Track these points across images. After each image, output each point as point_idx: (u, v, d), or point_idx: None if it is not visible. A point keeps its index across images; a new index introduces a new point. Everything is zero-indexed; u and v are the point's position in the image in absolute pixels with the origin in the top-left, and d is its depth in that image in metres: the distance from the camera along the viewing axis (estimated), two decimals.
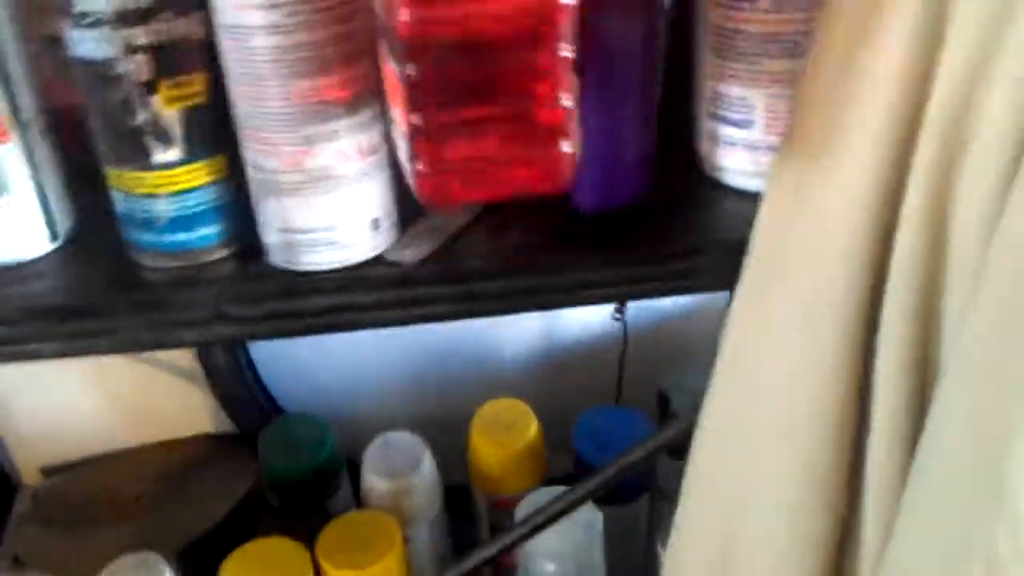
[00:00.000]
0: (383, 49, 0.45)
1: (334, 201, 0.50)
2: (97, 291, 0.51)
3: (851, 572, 0.46)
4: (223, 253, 0.53)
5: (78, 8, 0.46)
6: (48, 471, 0.92)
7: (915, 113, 0.40)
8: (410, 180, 0.45)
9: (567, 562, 0.73)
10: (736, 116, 0.54)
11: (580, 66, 0.45)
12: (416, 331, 0.92)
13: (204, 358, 0.82)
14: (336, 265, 0.51)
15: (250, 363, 0.86)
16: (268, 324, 0.51)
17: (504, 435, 0.82)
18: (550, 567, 0.73)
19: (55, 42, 0.51)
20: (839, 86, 0.42)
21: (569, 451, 0.85)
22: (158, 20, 0.46)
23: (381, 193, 0.51)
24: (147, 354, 0.84)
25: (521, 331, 0.94)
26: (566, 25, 0.41)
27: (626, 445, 0.64)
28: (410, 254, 0.52)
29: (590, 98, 0.50)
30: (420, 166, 0.43)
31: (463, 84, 0.41)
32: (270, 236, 0.51)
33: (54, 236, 0.55)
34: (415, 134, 0.42)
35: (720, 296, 0.91)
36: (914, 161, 0.40)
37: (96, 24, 0.46)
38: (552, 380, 0.95)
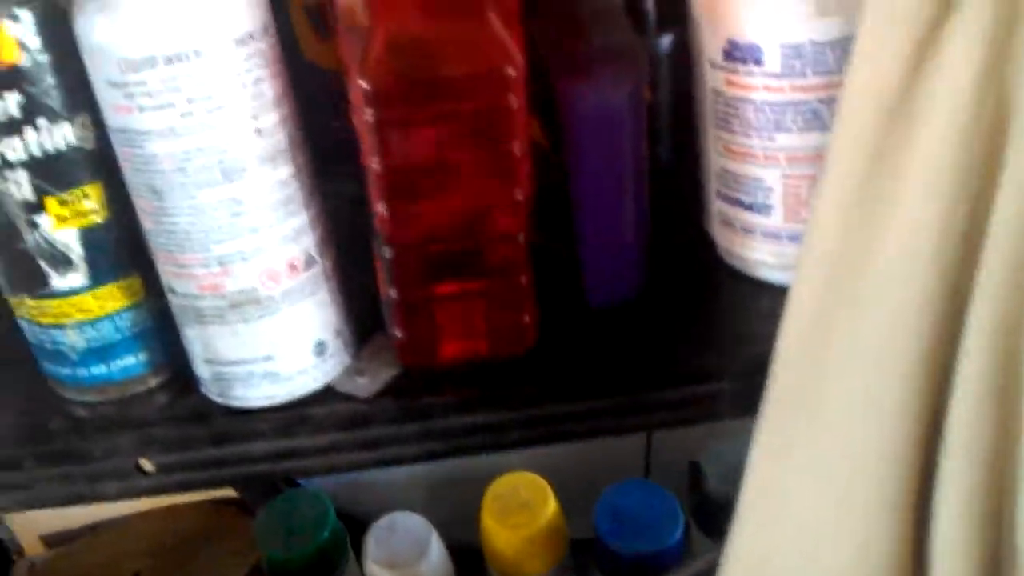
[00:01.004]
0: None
1: (266, 327, 0.39)
2: (7, 439, 0.42)
3: None
4: (151, 383, 0.43)
5: None
6: (49, 540, 0.84)
7: (975, 205, 0.29)
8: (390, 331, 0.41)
9: None
10: (750, 200, 0.42)
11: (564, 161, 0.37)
12: None
13: None
14: (277, 401, 0.41)
15: None
16: (200, 474, 0.41)
17: (520, 515, 0.72)
18: None
19: None
20: (873, 168, 0.31)
21: (592, 527, 0.74)
22: (32, 128, 0.36)
23: (324, 312, 0.41)
24: None
25: None
26: (524, 218, 0.38)
27: (651, 527, 0.58)
28: (364, 384, 0.41)
29: (577, 192, 0.40)
30: (398, 333, 0.41)
31: (438, 265, 0.39)
32: (199, 368, 0.41)
33: None
34: (394, 306, 0.40)
35: None
36: (979, 265, 0.29)
37: None
38: (574, 451, 0.84)
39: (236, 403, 0.41)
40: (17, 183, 0.37)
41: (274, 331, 0.39)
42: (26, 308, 0.41)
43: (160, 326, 0.42)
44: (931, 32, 0.28)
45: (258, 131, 0.36)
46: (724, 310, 0.44)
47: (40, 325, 0.41)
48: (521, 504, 0.73)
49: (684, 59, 0.45)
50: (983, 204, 0.29)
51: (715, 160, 0.43)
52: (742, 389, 0.40)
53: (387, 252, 0.38)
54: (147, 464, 0.40)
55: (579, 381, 0.40)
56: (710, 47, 0.40)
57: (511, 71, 0.35)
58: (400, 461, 0.40)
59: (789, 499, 0.35)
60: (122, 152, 0.37)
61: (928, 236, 0.30)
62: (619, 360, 0.41)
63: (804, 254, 0.34)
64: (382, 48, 0.35)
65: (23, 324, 0.42)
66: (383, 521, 0.71)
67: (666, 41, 0.50)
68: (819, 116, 0.39)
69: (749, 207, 0.42)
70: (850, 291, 0.32)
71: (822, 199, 0.33)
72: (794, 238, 0.42)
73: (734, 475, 0.49)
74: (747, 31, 0.38)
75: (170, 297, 0.40)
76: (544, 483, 0.74)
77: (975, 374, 0.29)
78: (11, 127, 0.36)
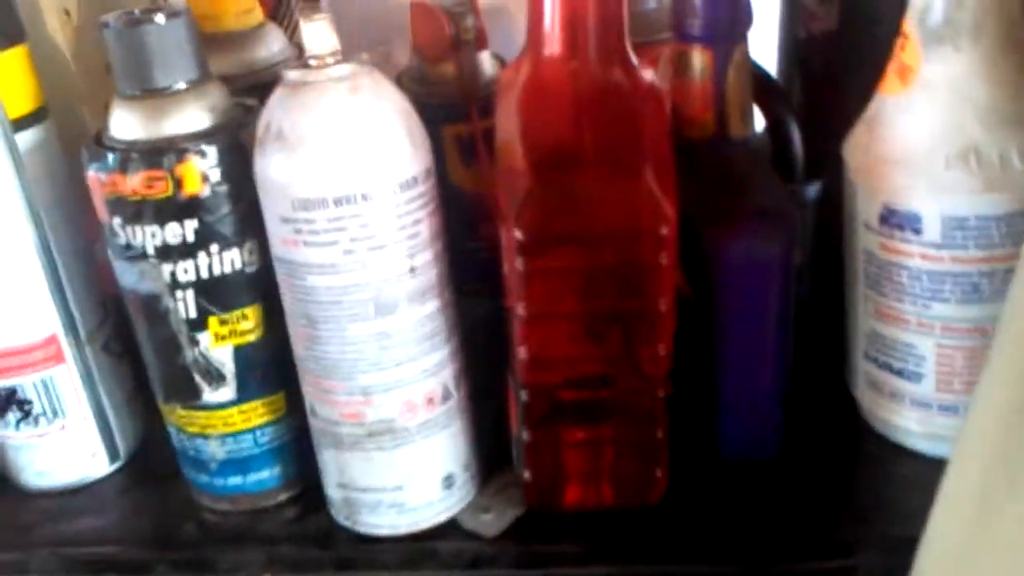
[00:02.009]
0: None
1: (399, 458, 0.40)
2: (142, 542, 0.43)
3: None
4: (282, 497, 0.43)
5: (121, 240, 0.39)
6: None
7: None
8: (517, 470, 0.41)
9: None
10: (900, 365, 0.41)
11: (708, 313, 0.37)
12: None
13: None
14: (402, 531, 0.41)
15: None
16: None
17: None
18: None
19: None
20: None
21: None
22: (205, 253, 0.39)
23: (456, 445, 0.41)
24: None
25: None
26: (664, 372, 0.38)
27: None
28: (488, 521, 0.41)
29: (721, 345, 0.39)
30: (527, 474, 0.40)
31: (574, 411, 0.39)
32: (330, 489, 0.42)
33: (114, 457, 0.47)
34: (525, 447, 0.40)
35: None
36: None
37: (139, 257, 0.39)
38: None
39: (362, 529, 0.41)
40: (184, 302, 0.39)
41: (407, 462, 0.39)
42: (176, 416, 0.42)
43: (297, 443, 0.43)
44: None
45: (412, 270, 0.37)
46: (864, 476, 0.42)
47: (186, 433, 0.42)
48: None
49: (828, 208, 0.44)
50: None
51: (864, 320, 0.42)
52: (877, 568, 0.38)
53: (523, 394, 0.38)
54: None
55: (704, 542, 0.39)
56: (865, 209, 0.40)
57: (665, 230, 0.35)
58: None
59: None
60: (283, 280, 0.38)
61: None
62: (747, 523, 0.40)
63: (966, 435, 0.32)
64: (539, 201, 0.35)
65: (171, 430, 0.43)
66: None
67: (812, 190, 0.49)
68: (979, 289, 0.38)
69: (899, 373, 0.41)
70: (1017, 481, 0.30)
71: (987, 384, 0.31)
72: (945, 409, 0.40)
73: None
74: (907, 199, 0.37)
75: (311, 419, 0.41)
76: None
77: None
78: (186, 251, 0.38)
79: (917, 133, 0.37)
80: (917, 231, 0.38)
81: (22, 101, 0.42)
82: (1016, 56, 0.36)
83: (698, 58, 0.40)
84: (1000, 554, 0.30)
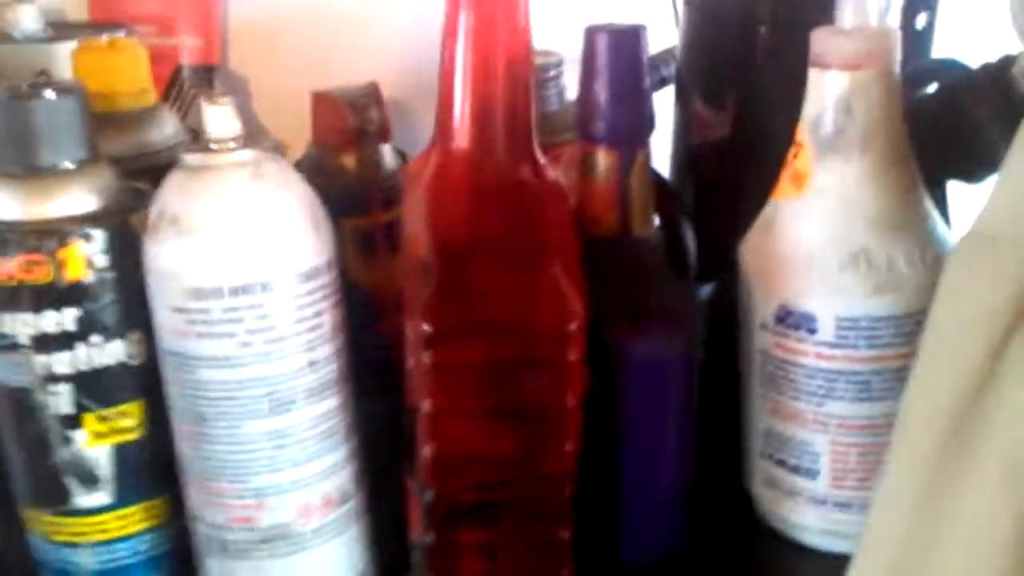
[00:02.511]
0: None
1: (295, 565, 0.37)
2: None
3: None
4: None
5: None
6: None
7: None
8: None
9: None
10: (796, 462, 0.41)
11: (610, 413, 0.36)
12: None
13: None
14: None
15: None
16: None
17: None
18: None
19: None
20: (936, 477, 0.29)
21: None
22: (85, 344, 0.36)
23: (354, 551, 0.38)
24: None
25: None
26: (571, 471, 0.37)
27: None
28: None
29: (622, 446, 0.39)
30: None
31: (480, 512, 0.38)
32: None
33: None
34: (430, 551, 0.38)
35: None
36: None
37: (10, 348, 0.35)
38: None
39: None
40: (58, 396, 0.36)
41: (302, 570, 0.37)
42: (41, 524, 0.38)
43: (177, 551, 0.39)
44: (1003, 342, 0.27)
45: (312, 363, 0.36)
46: (762, 575, 0.42)
47: (52, 543, 0.38)
48: None
49: (719, 310, 0.45)
50: None
51: (760, 419, 0.42)
52: None
53: (428, 496, 0.36)
54: None
55: None
56: (761, 309, 0.40)
57: (573, 326, 0.35)
58: None
59: None
60: (172, 375, 0.36)
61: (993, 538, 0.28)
62: None
63: (867, 535, 0.32)
64: (446, 293, 0.35)
65: (34, 540, 0.39)
66: None
67: (705, 290, 0.50)
68: (870, 387, 0.39)
69: (795, 470, 0.41)
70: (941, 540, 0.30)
71: (889, 479, 0.31)
72: (840, 505, 0.41)
73: None
74: (802, 300, 0.39)
75: (196, 525, 0.37)
76: None
77: None
78: (64, 342, 0.35)
79: (811, 236, 0.38)
80: (812, 331, 0.39)
81: None
82: (900, 167, 0.38)
83: (603, 159, 0.40)
84: None
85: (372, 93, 0.50)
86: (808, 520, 0.42)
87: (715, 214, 0.49)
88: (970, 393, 0.27)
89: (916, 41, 0.46)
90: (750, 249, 0.41)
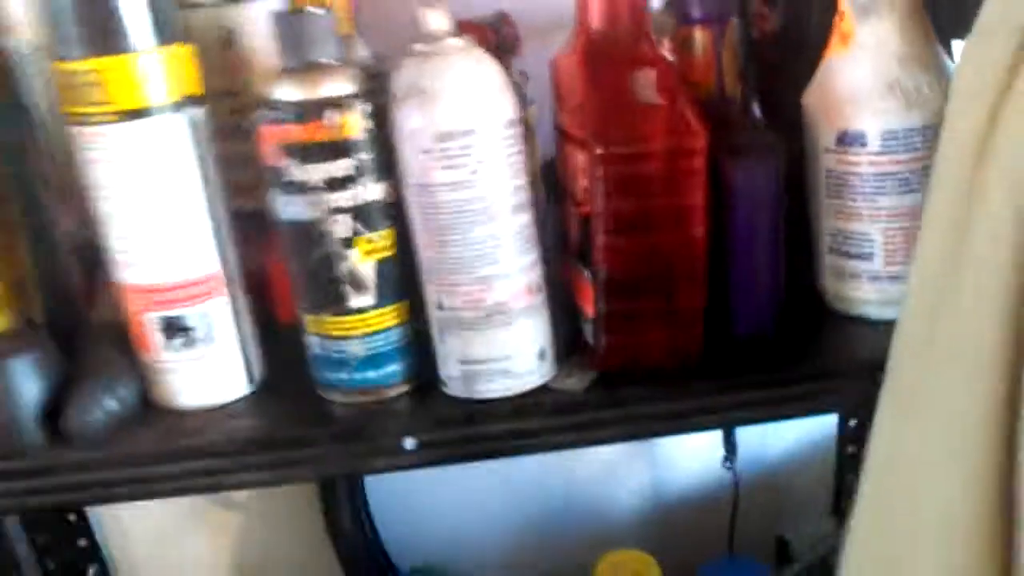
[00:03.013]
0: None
1: (508, 334, 0.52)
2: (295, 426, 0.53)
3: None
4: (404, 389, 0.55)
5: (288, 177, 0.51)
6: None
7: None
8: (592, 342, 0.54)
9: None
10: (857, 250, 0.56)
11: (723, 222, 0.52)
12: (529, 483, 0.91)
13: (330, 518, 0.83)
14: (510, 393, 0.53)
15: (371, 522, 0.86)
16: (451, 449, 0.52)
17: None
18: None
19: (242, 217, 0.56)
20: (957, 218, 0.43)
21: None
22: (357, 186, 0.51)
23: (546, 327, 0.53)
24: (275, 515, 0.86)
25: (632, 484, 0.93)
26: (703, 256, 0.53)
27: None
28: (573, 382, 0.53)
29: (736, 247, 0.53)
30: (604, 340, 0.53)
31: (639, 290, 0.53)
32: (450, 369, 0.53)
33: (251, 380, 0.57)
34: (603, 319, 0.53)
35: (826, 448, 0.90)
36: None
37: (305, 190, 0.51)
38: (664, 532, 0.93)
39: (480, 395, 0.53)
40: (339, 225, 0.51)
41: (514, 338, 0.52)
42: (323, 324, 0.53)
43: (415, 342, 0.54)
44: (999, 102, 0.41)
45: (515, 187, 0.51)
46: (838, 342, 0.57)
47: (332, 338, 0.53)
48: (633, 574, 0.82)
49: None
50: None
51: (827, 222, 0.57)
52: (855, 388, 0.52)
53: (601, 275, 0.51)
54: (410, 442, 0.52)
55: (735, 381, 0.52)
56: (825, 137, 0.55)
57: (700, 143, 0.50)
58: (605, 441, 0.52)
59: (903, 446, 0.46)
60: (418, 203, 0.51)
61: (1006, 249, 0.42)
62: (761, 368, 0.53)
63: (911, 279, 0.46)
64: (605, 125, 0.50)
65: (312, 339, 0.54)
66: None
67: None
68: (910, 183, 0.53)
69: (857, 256, 0.56)
70: (949, 301, 0.44)
71: (922, 242, 0.45)
72: (892, 278, 0.55)
73: (821, 548, 0.58)
74: (855, 123, 0.53)
75: (437, 313, 0.53)
76: (650, 558, 0.83)
77: None
78: (344, 183, 0.50)
79: (858, 76, 0.53)
80: (864, 144, 0.53)
81: (193, 86, 0.54)
82: (919, 23, 0.53)
83: (699, 36, 0.55)
84: (936, 346, 0.44)
85: (504, 18, 0.65)
86: (868, 295, 0.56)
87: (775, 88, 0.64)
88: (981, 133, 0.41)
89: None
90: (814, 94, 0.56)
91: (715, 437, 0.86)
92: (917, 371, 0.46)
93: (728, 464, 0.87)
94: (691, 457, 0.92)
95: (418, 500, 0.88)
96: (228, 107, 0.60)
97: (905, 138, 0.53)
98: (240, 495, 0.89)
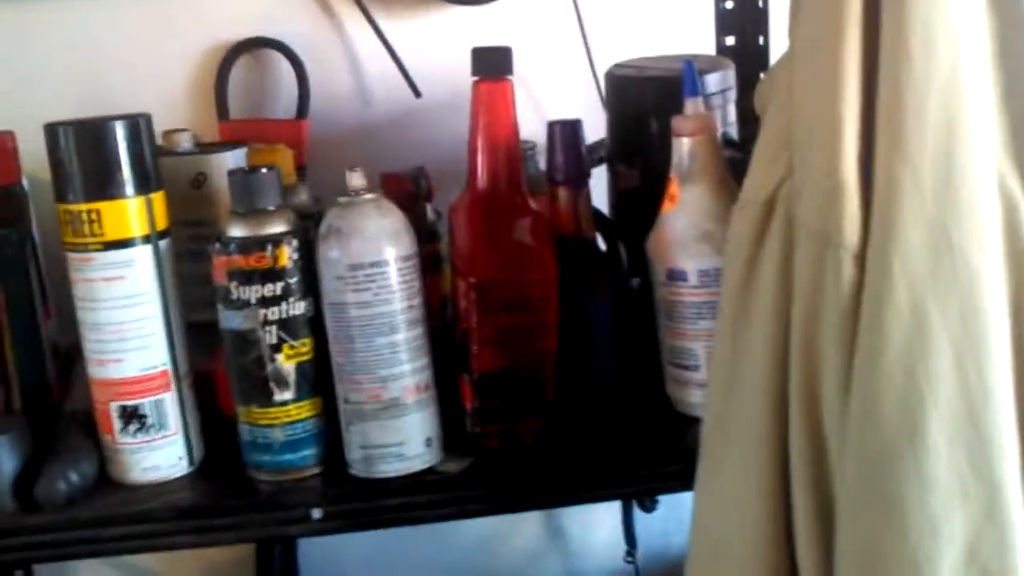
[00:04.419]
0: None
1: (401, 424, 0.64)
2: (224, 498, 0.65)
3: None
4: (317, 469, 0.67)
5: (232, 296, 0.64)
6: None
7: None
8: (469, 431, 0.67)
9: None
10: (686, 362, 0.70)
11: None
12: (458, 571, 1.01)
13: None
14: (402, 473, 0.65)
15: None
16: (351, 519, 0.64)
17: None
18: None
19: (197, 327, 0.69)
20: (735, 333, 0.57)
21: None
22: (284, 303, 0.64)
23: (433, 420, 0.66)
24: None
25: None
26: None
27: None
28: (452, 466, 0.66)
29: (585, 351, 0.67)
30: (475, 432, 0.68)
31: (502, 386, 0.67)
32: (354, 453, 0.65)
33: (191, 461, 0.69)
34: (472, 414, 0.67)
35: None
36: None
37: (243, 306, 0.64)
38: None
39: (378, 475, 0.65)
40: (270, 333, 0.64)
41: (406, 427, 0.64)
42: (252, 415, 0.66)
43: (325, 431, 0.67)
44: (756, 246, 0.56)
45: (410, 307, 0.64)
46: (676, 431, 0.70)
47: (258, 425, 0.66)
48: None
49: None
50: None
51: (665, 342, 0.71)
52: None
53: (476, 378, 0.64)
54: (317, 512, 0.63)
55: (579, 464, 0.65)
56: (658, 273, 0.70)
57: (551, 275, 0.64)
58: (477, 514, 0.64)
59: (712, 505, 0.58)
60: (333, 317, 0.64)
61: (764, 358, 0.55)
62: (608, 455, 0.66)
63: (710, 376, 0.60)
64: (480, 263, 0.64)
65: (243, 427, 0.66)
66: None
67: (636, 281, 0.79)
68: None
69: (686, 367, 0.69)
70: (734, 389, 0.58)
71: (716, 349, 0.59)
72: None
73: None
74: (679, 263, 0.68)
75: (344, 406, 0.65)
76: None
77: (795, 424, 0.54)
78: (274, 301, 0.64)
79: (681, 227, 0.68)
80: (685, 280, 0.68)
81: (163, 222, 0.67)
82: (724, 186, 0.68)
83: (563, 193, 0.70)
84: (731, 421, 0.58)
85: (421, 171, 0.80)
86: (697, 398, 0.70)
87: (633, 229, 0.79)
88: (743, 278, 0.56)
89: None
90: (651, 240, 0.71)
91: (619, 532, 0.97)
92: (717, 442, 0.59)
93: (630, 559, 0.97)
94: (599, 553, 1.02)
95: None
96: (195, 234, 0.74)
97: (716, 275, 0.67)
98: None
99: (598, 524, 1.01)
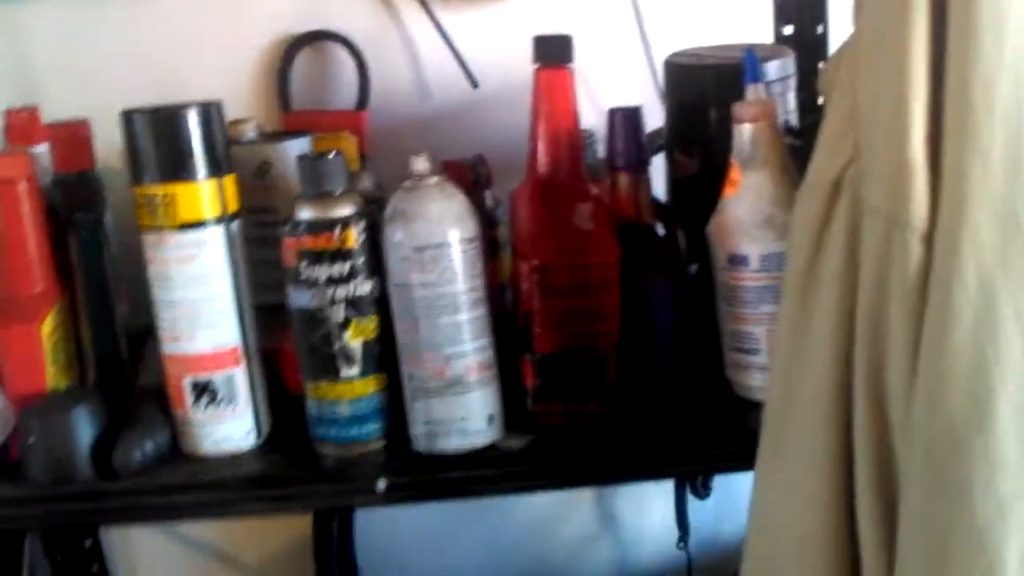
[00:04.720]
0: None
1: (464, 401, 0.66)
2: (292, 469, 0.67)
3: None
4: (381, 443, 0.68)
5: (300, 276, 0.66)
6: None
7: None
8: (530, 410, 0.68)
9: None
10: (747, 347, 0.70)
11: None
12: (508, 554, 1.02)
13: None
14: (463, 449, 0.66)
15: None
16: (415, 491, 0.65)
17: None
18: None
19: (265, 309, 0.71)
20: (797, 317, 0.57)
21: None
22: (351, 283, 0.66)
23: (495, 399, 0.68)
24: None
25: (596, 562, 1.04)
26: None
27: None
28: (514, 442, 0.67)
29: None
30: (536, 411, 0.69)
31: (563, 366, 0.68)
32: (417, 428, 0.67)
33: (259, 435, 0.71)
34: (534, 394, 0.69)
35: None
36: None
37: (312, 285, 0.66)
38: None
39: (440, 450, 0.66)
40: (338, 312, 0.66)
41: (469, 404, 0.66)
42: (320, 390, 0.67)
43: (390, 406, 0.68)
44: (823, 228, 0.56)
45: (472, 287, 0.66)
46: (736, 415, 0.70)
47: (325, 400, 0.67)
48: None
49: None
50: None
51: (726, 326, 0.71)
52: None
53: (538, 358, 0.66)
54: (382, 483, 0.65)
55: (642, 444, 0.66)
56: (719, 258, 0.70)
57: (613, 259, 0.65)
58: (537, 489, 0.65)
59: (773, 490, 0.59)
60: (397, 297, 0.65)
61: (828, 340, 0.55)
62: (667, 437, 0.67)
63: (771, 359, 0.60)
64: (544, 245, 0.65)
65: (311, 402, 0.68)
66: None
67: (694, 267, 0.80)
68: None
69: (748, 351, 0.70)
70: (796, 370, 0.58)
71: (779, 331, 0.59)
72: None
73: None
74: (740, 248, 0.68)
75: (407, 383, 0.67)
76: None
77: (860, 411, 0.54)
78: (342, 280, 0.65)
79: (743, 212, 0.68)
80: (747, 265, 0.68)
81: (234, 205, 0.70)
82: (788, 170, 0.68)
83: (623, 178, 0.71)
84: (793, 407, 0.58)
85: (480, 159, 0.82)
86: (759, 382, 0.70)
87: (690, 216, 0.79)
88: (808, 260, 0.56)
89: None
90: (712, 226, 0.71)
91: (671, 519, 0.97)
92: (779, 424, 0.59)
93: (682, 545, 0.98)
94: (651, 540, 1.03)
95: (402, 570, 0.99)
96: (259, 221, 0.76)
97: (778, 259, 0.67)
98: (243, 559, 1.01)
99: (651, 511, 1.02)
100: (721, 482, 0.94)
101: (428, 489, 0.65)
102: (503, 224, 0.81)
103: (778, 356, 0.59)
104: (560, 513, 1.02)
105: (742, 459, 0.60)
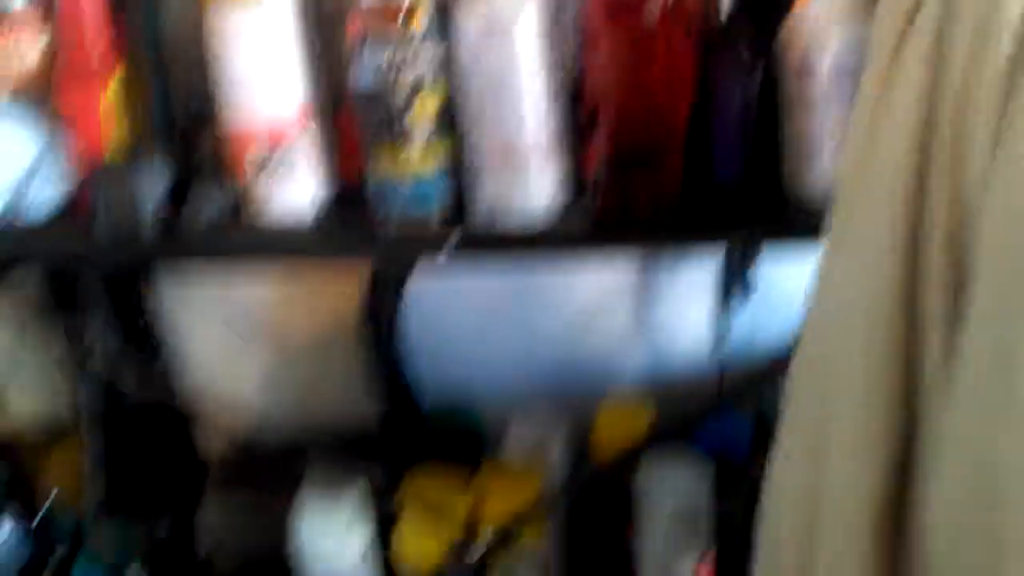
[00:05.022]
0: None
1: (526, 180, 0.68)
2: (355, 230, 0.70)
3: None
4: (444, 216, 0.70)
5: (367, 57, 0.66)
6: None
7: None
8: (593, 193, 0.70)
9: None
10: (813, 150, 0.70)
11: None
12: (548, 336, 1.04)
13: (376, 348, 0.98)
14: (523, 227, 0.69)
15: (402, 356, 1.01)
16: (476, 259, 0.69)
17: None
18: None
19: None
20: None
21: None
22: (418, 63, 0.66)
23: (555, 180, 0.69)
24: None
25: (629, 362, 1.07)
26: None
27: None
28: (575, 222, 0.69)
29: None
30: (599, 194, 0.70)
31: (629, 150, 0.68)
32: (479, 205, 0.69)
33: (320, 204, 0.73)
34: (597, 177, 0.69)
35: None
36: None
37: (377, 66, 0.66)
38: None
39: (502, 226, 0.68)
40: (402, 92, 0.65)
41: (530, 183, 0.67)
42: (382, 167, 0.68)
43: (451, 184, 0.69)
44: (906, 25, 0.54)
45: (539, 70, 0.65)
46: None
47: (387, 177, 0.69)
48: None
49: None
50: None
51: (793, 129, 0.70)
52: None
53: (604, 141, 0.66)
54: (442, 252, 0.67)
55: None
56: (791, 64, 0.69)
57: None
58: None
59: (838, 266, 0.58)
60: (463, 77, 0.65)
61: (908, 132, 0.55)
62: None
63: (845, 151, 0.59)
64: None
65: (372, 179, 0.69)
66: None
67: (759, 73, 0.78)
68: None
69: (812, 155, 0.70)
70: (872, 161, 0.57)
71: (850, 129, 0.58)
72: None
73: None
74: (812, 55, 0.67)
75: (473, 159, 0.68)
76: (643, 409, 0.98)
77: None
78: (406, 61, 0.65)
79: (815, 19, 0.67)
80: (817, 72, 0.67)
81: None
82: None
83: None
84: (860, 194, 0.58)
85: None
86: (816, 186, 0.70)
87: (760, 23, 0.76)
88: (893, 48, 0.54)
89: None
90: (784, 32, 0.69)
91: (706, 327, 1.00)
92: (846, 211, 0.59)
93: (717, 354, 0.99)
94: (686, 347, 1.05)
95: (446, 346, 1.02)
96: None
97: (848, 68, 0.66)
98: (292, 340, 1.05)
99: (687, 316, 1.04)
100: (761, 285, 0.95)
101: (489, 257, 0.68)
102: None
103: (853, 145, 0.57)
104: (598, 311, 1.04)
105: (792, 235, 0.61)
